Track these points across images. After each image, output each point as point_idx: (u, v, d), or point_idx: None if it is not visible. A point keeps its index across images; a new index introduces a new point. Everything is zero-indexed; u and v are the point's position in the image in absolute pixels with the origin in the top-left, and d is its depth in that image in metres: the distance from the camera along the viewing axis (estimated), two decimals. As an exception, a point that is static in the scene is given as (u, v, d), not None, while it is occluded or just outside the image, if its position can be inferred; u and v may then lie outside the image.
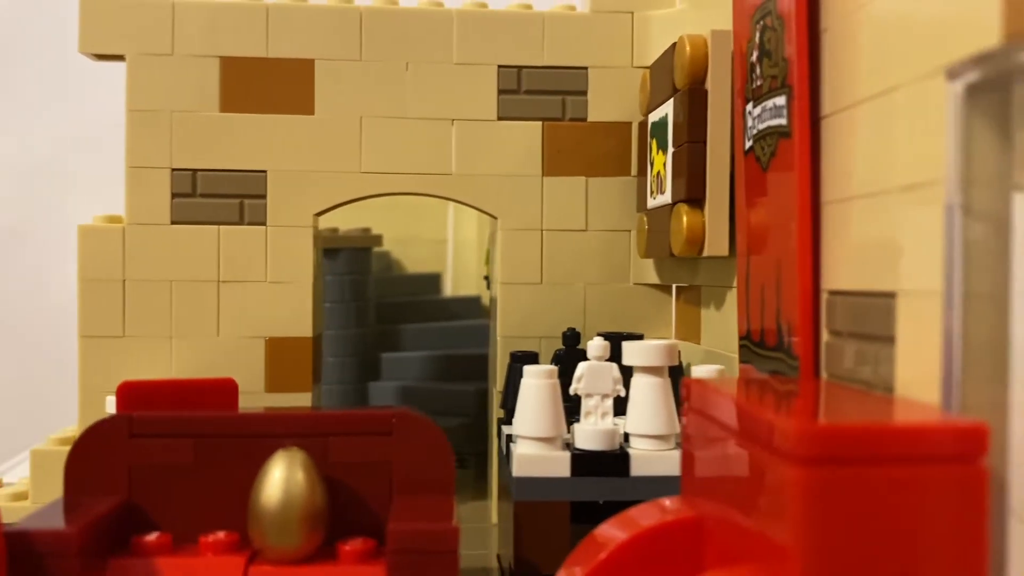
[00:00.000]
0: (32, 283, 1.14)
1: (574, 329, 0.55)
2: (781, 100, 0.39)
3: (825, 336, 0.37)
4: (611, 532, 0.35)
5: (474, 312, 0.91)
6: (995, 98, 0.27)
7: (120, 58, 0.59)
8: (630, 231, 0.61)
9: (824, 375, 0.37)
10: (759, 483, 0.28)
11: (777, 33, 0.39)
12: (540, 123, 0.61)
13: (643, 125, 0.59)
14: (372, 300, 0.83)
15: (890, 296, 0.32)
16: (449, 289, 0.98)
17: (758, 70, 0.42)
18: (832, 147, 0.37)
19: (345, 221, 0.83)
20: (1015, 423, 0.23)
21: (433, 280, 0.94)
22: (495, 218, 0.61)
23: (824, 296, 0.37)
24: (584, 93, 0.61)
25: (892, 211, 0.32)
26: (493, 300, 0.65)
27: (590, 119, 0.61)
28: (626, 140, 0.61)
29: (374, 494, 0.43)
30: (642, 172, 0.59)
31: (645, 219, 0.58)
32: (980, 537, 0.25)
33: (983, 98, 0.27)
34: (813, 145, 0.37)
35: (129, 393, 0.45)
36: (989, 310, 0.27)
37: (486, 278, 0.76)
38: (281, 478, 0.40)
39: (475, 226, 0.97)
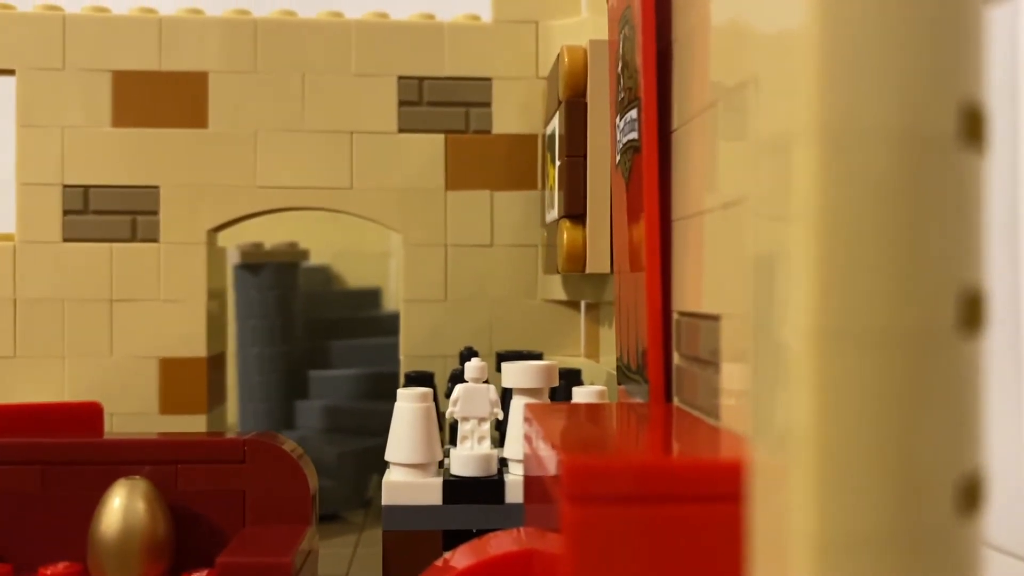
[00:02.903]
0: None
1: (471, 348, 0.54)
2: (634, 113, 0.37)
3: (676, 359, 0.35)
4: (460, 558, 0.34)
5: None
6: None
7: (10, 72, 0.57)
8: (537, 246, 0.60)
9: (676, 400, 0.35)
10: (554, 518, 0.26)
11: (631, 43, 0.38)
12: (443, 135, 0.59)
13: (544, 137, 0.58)
14: (300, 316, 0.81)
15: (716, 319, 0.30)
16: (392, 304, 0.96)
17: (621, 81, 0.40)
18: (679, 162, 0.35)
19: (279, 235, 0.81)
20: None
21: (372, 295, 0.92)
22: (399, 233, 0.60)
23: (675, 317, 0.35)
24: (488, 105, 0.59)
25: (716, 229, 0.30)
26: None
27: (494, 131, 0.59)
28: (532, 153, 0.59)
29: (226, 524, 0.41)
30: (545, 186, 0.58)
31: (545, 234, 0.57)
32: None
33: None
34: (663, 160, 0.36)
35: (-16, 418, 0.44)
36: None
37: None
38: (120, 508, 0.39)
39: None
